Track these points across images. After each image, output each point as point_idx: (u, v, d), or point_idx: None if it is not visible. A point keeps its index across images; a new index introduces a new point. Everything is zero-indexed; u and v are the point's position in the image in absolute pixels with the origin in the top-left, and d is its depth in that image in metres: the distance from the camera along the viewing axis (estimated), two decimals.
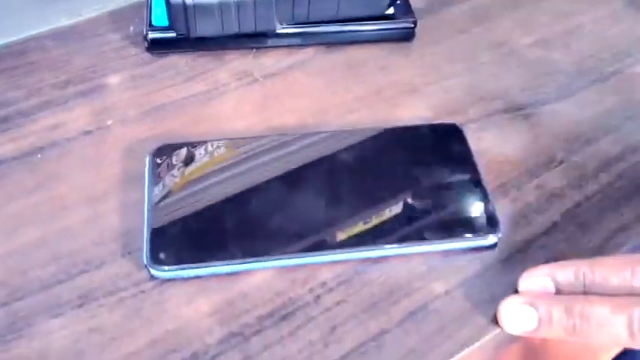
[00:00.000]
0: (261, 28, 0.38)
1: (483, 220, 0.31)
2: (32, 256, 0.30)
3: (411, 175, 0.32)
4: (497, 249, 0.31)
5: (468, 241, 0.30)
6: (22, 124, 0.36)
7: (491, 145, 0.35)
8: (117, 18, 0.42)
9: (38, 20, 0.41)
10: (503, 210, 0.32)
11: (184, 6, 0.36)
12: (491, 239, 0.31)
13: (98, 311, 0.28)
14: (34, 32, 0.41)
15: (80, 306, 0.29)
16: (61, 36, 0.41)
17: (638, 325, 0.25)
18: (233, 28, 0.38)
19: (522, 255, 0.31)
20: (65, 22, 0.42)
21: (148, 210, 0.31)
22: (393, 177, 0.32)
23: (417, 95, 0.38)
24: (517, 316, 0.28)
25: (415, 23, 0.41)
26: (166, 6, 0.37)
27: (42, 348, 0.27)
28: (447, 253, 0.31)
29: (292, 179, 0.32)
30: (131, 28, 0.41)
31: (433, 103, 0.38)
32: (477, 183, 0.32)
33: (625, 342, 0.26)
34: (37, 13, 0.42)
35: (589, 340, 0.27)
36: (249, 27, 0.38)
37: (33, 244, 0.31)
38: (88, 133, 0.35)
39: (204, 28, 0.38)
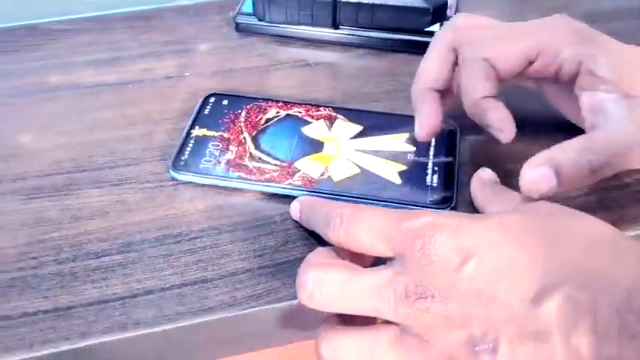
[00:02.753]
0: (318, 24, 0.47)
1: None
2: (98, 147, 0.41)
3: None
4: None
5: None
6: (126, 64, 0.47)
7: None
8: (224, 4, 0.53)
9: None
10: None
11: None
12: None
13: (127, 191, 0.38)
14: (161, 5, 0.53)
15: (116, 185, 0.39)
16: (179, 11, 0.53)
17: None
18: (299, 21, 0.47)
19: None
20: (186, 2, 0.54)
21: (185, 133, 0.40)
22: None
23: None
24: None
25: None
26: None
27: (81, 204, 0.38)
28: None
29: (298, 130, 0.40)
30: (231, 13, 0.52)
31: None
32: None
33: None
34: None
35: None
36: (311, 22, 0.47)
37: (102, 140, 0.42)
38: (168, 78, 0.46)
39: (275, 16, 0.47)
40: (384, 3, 0.46)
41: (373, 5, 0.46)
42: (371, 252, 0.30)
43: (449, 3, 0.47)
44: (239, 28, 0.50)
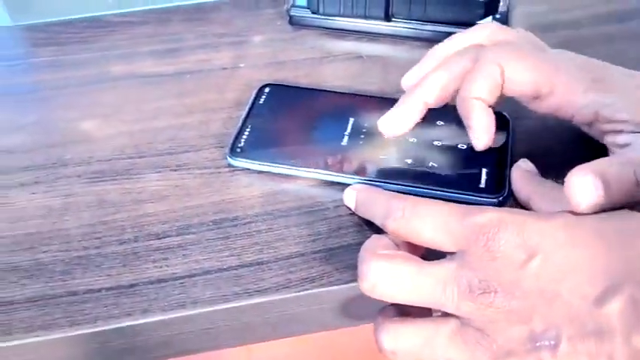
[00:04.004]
0: (371, 15, 0.48)
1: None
2: (158, 135, 0.43)
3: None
4: None
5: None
6: (184, 54, 0.49)
7: None
8: None
9: None
10: None
11: None
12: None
13: (185, 176, 0.40)
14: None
15: (175, 170, 0.40)
16: (234, 4, 0.54)
17: None
18: (352, 13, 0.48)
19: None
20: None
21: (241, 121, 0.41)
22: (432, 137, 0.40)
23: None
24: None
25: None
26: None
27: (141, 188, 0.39)
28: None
29: (351, 120, 0.41)
30: (285, 6, 0.53)
31: None
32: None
33: None
34: None
35: None
36: (361, 13, 0.48)
37: (162, 128, 0.43)
38: (224, 69, 0.48)
39: (329, 8, 0.48)
40: None
41: None
42: (432, 245, 0.30)
43: None
44: (292, 20, 0.51)
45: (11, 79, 0.48)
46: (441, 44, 0.38)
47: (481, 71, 0.33)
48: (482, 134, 0.34)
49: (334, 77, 0.47)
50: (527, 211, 0.30)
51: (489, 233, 0.28)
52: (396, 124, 0.36)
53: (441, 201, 0.31)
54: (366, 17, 0.48)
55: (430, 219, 0.30)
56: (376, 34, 0.49)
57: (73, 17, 0.53)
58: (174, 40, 0.50)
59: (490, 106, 0.34)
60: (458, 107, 0.35)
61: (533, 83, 0.33)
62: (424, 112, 0.36)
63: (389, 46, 0.49)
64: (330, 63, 0.48)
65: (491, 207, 0.30)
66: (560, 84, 0.33)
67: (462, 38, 0.38)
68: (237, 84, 0.46)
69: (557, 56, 0.35)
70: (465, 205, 0.30)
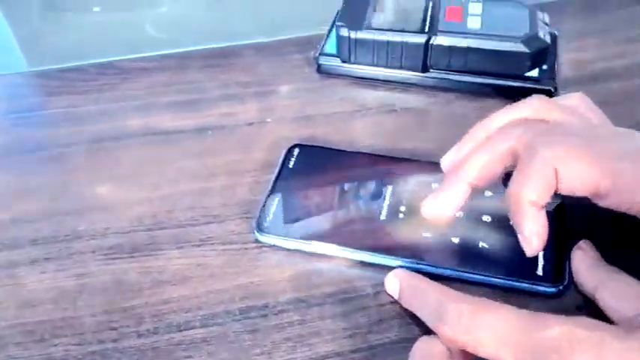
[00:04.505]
0: (406, 67, 0.44)
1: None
2: (178, 202, 0.39)
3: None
4: None
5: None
6: (206, 107, 0.46)
7: None
8: (304, 42, 0.51)
9: (243, 35, 0.52)
10: None
11: (348, 38, 0.44)
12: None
13: (208, 253, 0.36)
14: (239, 43, 0.51)
15: (198, 246, 0.37)
16: (257, 49, 0.50)
17: None
18: (386, 64, 0.45)
19: None
20: (264, 39, 0.52)
21: (269, 190, 0.38)
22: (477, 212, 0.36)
23: None
24: None
25: (555, 89, 0.43)
26: (336, 37, 0.45)
27: (161, 267, 0.36)
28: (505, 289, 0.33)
29: (389, 189, 0.37)
30: (312, 52, 0.49)
31: None
32: None
33: None
34: (242, 29, 0.52)
35: None
36: (399, 65, 0.44)
37: (182, 194, 0.40)
38: (250, 124, 0.44)
39: (362, 58, 0.45)
40: (479, 47, 0.42)
41: (468, 49, 0.43)
42: (492, 359, 0.27)
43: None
44: (320, 69, 0.47)
45: (22, 133, 0.45)
46: (482, 122, 0.35)
47: (533, 172, 0.30)
48: (533, 240, 0.30)
49: (367, 134, 0.43)
50: (601, 324, 0.26)
51: (561, 353, 0.25)
52: (440, 209, 0.33)
53: (502, 305, 0.28)
54: (401, 67, 0.45)
55: (492, 328, 0.27)
56: (410, 84, 0.46)
57: (87, 62, 0.50)
58: (194, 89, 0.47)
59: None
60: (506, 203, 0.31)
61: (589, 185, 0.30)
62: (469, 193, 0.32)
63: (425, 98, 0.46)
64: (362, 117, 0.44)
65: (559, 317, 0.26)
66: (622, 184, 0.29)
67: (505, 116, 0.34)
68: (263, 142, 0.43)
69: (620, 145, 0.30)
70: (530, 313, 0.27)
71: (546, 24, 0.44)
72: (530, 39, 0.42)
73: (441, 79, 0.45)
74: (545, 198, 0.30)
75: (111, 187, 0.41)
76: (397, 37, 0.43)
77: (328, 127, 0.44)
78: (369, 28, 0.44)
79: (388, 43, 0.43)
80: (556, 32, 0.45)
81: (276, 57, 0.50)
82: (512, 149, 0.31)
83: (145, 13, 0.55)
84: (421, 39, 0.43)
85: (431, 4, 0.45)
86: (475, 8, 0.44)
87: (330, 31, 0.48)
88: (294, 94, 0.46)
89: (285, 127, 0.44)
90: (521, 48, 0.42)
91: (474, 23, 0.43)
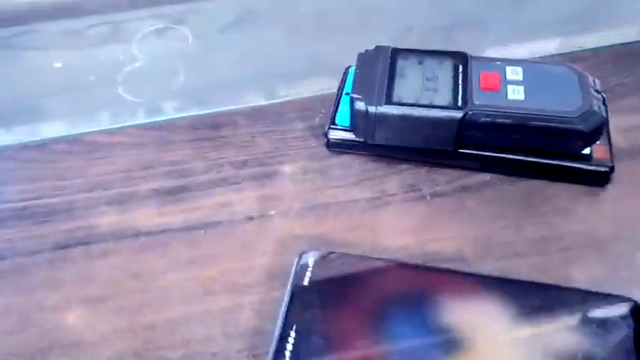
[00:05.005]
0: (439, 147, 0.37)
1: None
2: (169, 334, 0.32)
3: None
4: None
5: None
6: (196, 196, 0.38)
7: None
8: (307, 106, 0.43)
9: (235, 97, 0.44)
10: None
11: (367, 113, 0.37)
12: None
13: None
14: (231, 108, 0.44)
15: None
16: (252, 115, 0.43)
17: None
18: (412, 142, 0.37)
19: None
20: (260, 102, 0.44)
21: (280, 321, 0.30)
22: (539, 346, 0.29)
23: (598, 254, 0.34)
24: None
25: (612, 169, 0.37)
26: (350, 109, 0.38)
27: None
28: None
29: (432, 315, 0.30)
30: (317, 119, 0.42)
31: (616, 267, 0.34)
32: None
33: None
34: (235, 91, 0.44)
35: None
36: (427, 143, 0.37)
37: (171, 322, 0.32)
38: (250, 219, 0.37)
39: (383, 136, 0.37)
40: (524, 124, 0.35)
41: (510, 126, 0.36)
42: None
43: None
44: (330, 144, 0.40)
45: None
46: None
47: None
48: None
49: (393, 231, 0.36)
50: None
51: None
52: None
53: None
54: (429, 145, 0.38)
55: None
56: (439, 163, 0.39)
57: (48, 137, 0.42)
58: (181, 173, 0.39)
59: None
60: None
61: None
62: None
63: (457, 180, 0.38)
64: (384, 207, 0.37)
65: None
66: None
67: None
68: (268, 243, 0.35)
69: None
70: None
71: (598, 91, 0.37)
72: (586, 115, 0.35)
73: (476, 157, 0.38)
74: None
75: (82, 313, 0.33)
76: (428, 113, 0.36)
77: (345, 221, 0.36)
78: (392, 102, 0.36)
79: (417, 119, 0.36)
80: (605, 99, 0.38)
81: (275, 126, 0.42)
82: None
83: (117, 69, 0.47)
84: (456, 115, 0.36)
85: (461, 69, 0.38)
86: (515, 74, 0.37)
87: (338, 98, 0.41)
88: (300, 177, 0.39)
89: (293, 221, 0.36)
90: (576, 126, 0.35)
91: (516, 94, 0.36)
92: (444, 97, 0.37)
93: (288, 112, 0.43)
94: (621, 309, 0.30)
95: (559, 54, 0.46)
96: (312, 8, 0.53)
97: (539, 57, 0.46)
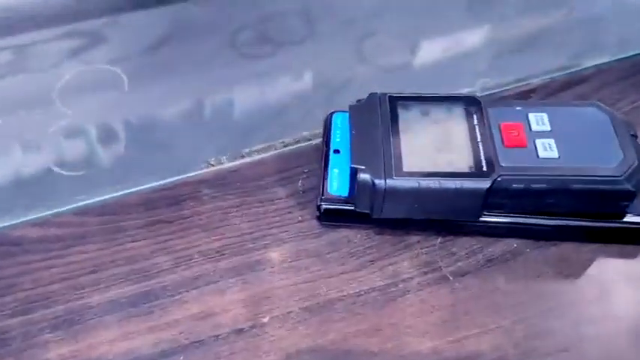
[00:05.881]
0: (462, 218, 0.31)
1: None
2: None
3: None
4: None
5: None
6: (165, 306, 0.30)
7: None
8: (284, 164, 0.36)
9: (195, 159, 0.36)
10: None
11: (374, 186, 0.30)
12: None
13: None
14: (190, 174, 0.35)
15: None
16: (218, 182, 0.35)
17: None
18: (428, 215, 0.31)
19: None
20: (226, 163, 0.36)
21: None
22: None
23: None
24: None
25: None
26: (351, 180, 0.31)
27: None
28: None
29: None
30: (300, 182, 0.35)
31: None
32: None
33: None
34: (193, 151, 0.36)
35: None
36: (447, 215, 0.31)
37: None
38: (239, 332, 0.29)
39: (392, 210, 0.31)
40: (564, 188, 0.29)
41: (547, 191, 0.30)
42: None
43: None
44: (324, 217, 0.33)
45: None
46: None
47: None
48: None
49: (418, 329, 0.29)
50: None
51: None
52: None
53: None
54: (447, 215, 0.31)
55: None
56: (455, 233, 0.32)
57: None
58: (140, 274, 0.31)
59: None
60: None
61: None
62: None
63: (481, 251, 0.32)
64: (402, 297, 0.30)
65: None
66: None
67: None
68: None
69: None
70: None
71: (635, 135, 0.32)
72: (633, 171, 0.29)
73: (502, 224, 0.32)
74: None
75: None
76: (449, 184, 0.29)
77: (356, 323, 0.30)
78: (402, 172, 0.29)
79: (435, 191, 0.29)
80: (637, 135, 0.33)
81: (249, 197, 0.34)
82: None
83: (42, 129, 0.38)
84: (484, 184, 0.29)
85: (476, 120, 0.32)
86: (540, 123, 0.31)
87: (325, 157, 0.34)
88: (292, 265, 0.32)
89: (293, 330, 0.29)
90: (623, 186, 0.29)
91: (548, 150, 0.30)
92: (463, 159, 0.30)
93: (261, 174, 0.35)
94: None
95: (564, 73, 0.41)
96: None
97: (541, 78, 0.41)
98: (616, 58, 0.42)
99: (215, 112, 0.40)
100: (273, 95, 0.41)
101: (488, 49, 0.43)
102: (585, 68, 0.41)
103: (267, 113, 0.40)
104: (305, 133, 0.37)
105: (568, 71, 0.41)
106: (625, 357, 0.29)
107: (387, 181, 0.29)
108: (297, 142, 0.37)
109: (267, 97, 0.41)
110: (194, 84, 0.41)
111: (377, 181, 0.29)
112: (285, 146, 0.37)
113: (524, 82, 0.40)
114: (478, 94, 0.39)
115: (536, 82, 0.41)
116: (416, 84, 0.41)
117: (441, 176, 0.29)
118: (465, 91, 0.40)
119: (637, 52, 0.43)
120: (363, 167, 0.30)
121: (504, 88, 0.40)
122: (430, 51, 0.43)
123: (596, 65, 0.42)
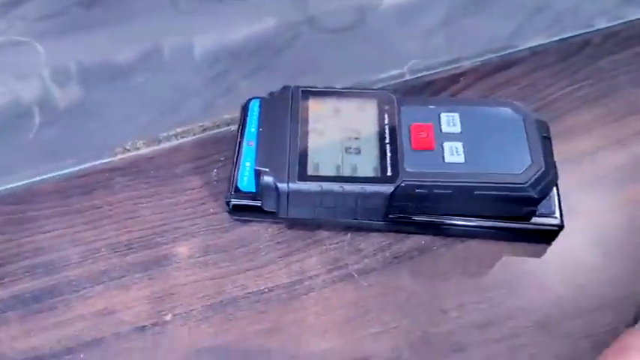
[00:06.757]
0: (366, 219, 0.31)
1: None
2: None
3: None
4: None
5: None
6: (69, 302, 0.30)
7: None
8: (201, 151, 0.35)
9: (108, 144, 0.35)
10: None
11: (277, 189, 0.29)
12: None
13: None
14: (103, 160, 0.35)
15: None
16: (133, 170, 0.35)
17: None
18: (333, 216, 0.31)
19: None
20: (142, 148, 0.35)
21: None
22: None
23: (554, 337, 0.30)
24: None
25: (561, 227, 0.32)
26: (256, 181, 0.31)
27: None
28: None
29: None
30: (215, 171, 0.34)
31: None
32: None
33: None
34: (108, 134, 0.36)
35: None
36: (351, 216, 0.31)
37: None
38: (141, 329, 0.30)
39: (298, 211, 0.31)
40: (466, 194, 0.29)
41: (450, 195, 0.30)
42: None
43: None
44: (235, 212, 0.33)
45: None
46: None
47: None
48: None
49: (318, 329, 0.30)
50: None
51: None
52: None
53: None
54: (354, 216, 0.31)
55: None
56: (365, 229, 0.33)
57: None
58: (47, 267, 0.31)
59: None
60: None
61: None
62: None
63: (389, 248, 0.32)
64: (306, 295, 0.31)
65: None
66: None
67: None
68: None
69: None
70: None
71: (548, 137, 0.31)
72: (538, 178, 0.29)
73: (409, 223, 0.32)
74: None
75: None
76: (351, 188, 0.29)
77: (258, 321, 0.30)
78: (306, 176, 0.29)
79: (338, 195, 0.29)
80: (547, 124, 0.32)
81: (162, 187, 0.34)
82: None
83: None
84: (386, 189, 0.29)
85: (387, 119, 0.31)
86: (451, 124, 0.31)
87: (238, 149, 0.33)
88: (200, 260, 0.32)
89: (196, 327, 0.30)
90: (527, 193, 0.29)
91: (454, 155, 0.30)
92: (370, 163, 0.30)
93: (176, 162, 0.35)
94: None
95: (496, 55, 0.40)
96: None
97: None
98: (551, 39, 0.41)
99: (136, 89, 0.38)
100: (196, 72, 0.40)
101: (419, 28, 0.41)
102: (519, 50, 0.41)
103: (189, 90, 0.39)
104: (226, 117, 0.37)
105: (501, 53, 0.40)
106: (528, 352, 0.30)
107: (290, 185, 0.29)
108: (218, 126, 0.37)
109: (189, 73, 0.40)
110: (118, 57, 0.40)
111: (280, 185, 0.29)
112: (203, 130, 0.36)
113: (455, 65, 0.40)
114: (407, 77, 0.40)
115: (466, 64, 0.40)
116: (345, 64, 0.40)
117: (345, 181, 0.29)
118: (394, 72, 0.39)
119: (574, 33, 0.42)
120: (266, 170, 0.29)
121: (434, 70, 0.39)
122: (359, 31, 0.42)
123: (530, 47, 0.41)
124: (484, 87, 0.39)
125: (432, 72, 0.39)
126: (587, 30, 0.42)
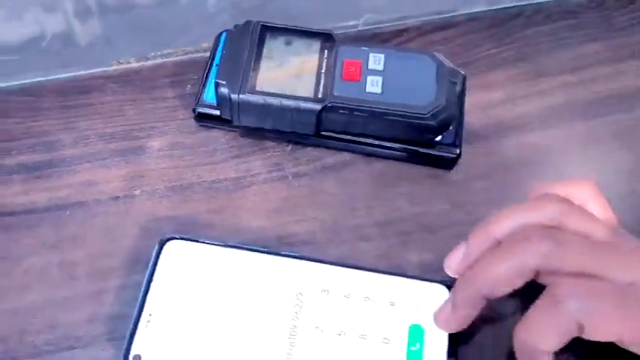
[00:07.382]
0: (302, 131, 0.39)
1: None
2: (33, 318, 0.34)
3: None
4: None
5: None
6: (62, 173, 0.39)
7: None
8: (179, 70, 0.43)
9: (108, 56, 0.43)
10: None
11: (230, 99, 0.37)
12: None
13: None
14: (102, 69, 0.43)
15: None
16: (123, 79, 0.42)
17: None
18: (275, 126, 0.39)
19: None
20: (133, 63, 0.43)
21: (137, 308, 0.33)
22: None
23: (436, 237, 0.38)
24: None
25: (458, 155, 0.40)
26: (215, 92, 0.38)
27: None
28: None
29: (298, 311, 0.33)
30: (188, 86, 0.42)
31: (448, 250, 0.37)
32: None
33: None
34: (108, 50, 0.43)
35: None
36: (289, 128, 0.39)
37: (37, 307, 0.34)
38: (115, 199, 0.38)
39: (247, 120, 0.38)
40: (378, 118, 0.37)
41: (366, 118, 0.37)
42: None
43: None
44: (199, 119, 0.41)
45: None
46: (488, 223, 0.32)
47: (553, 325, 0.28)
48: None
49: (254, 213, 0.38)
50: None
51: None
52: (458, 324, 0.32)
53: None
54: (292, 129, 0.39)
55: None
56: (303, 144, 0.40)
57: None
58: (47, 145, 0.39)
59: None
60: (516, 349, 0.29)
61: (612, 338, 0.29)
62: (484, 304, 0.31)
63: (318, 159, 0.40)
64: (248, 187, 0.39)
65: None
66: None
67: (516, 219, 0.31)
68: (132, 225, 0.37)
69: None
70: None
71: (454, 82, 0.39)
72: (437, 111, 0.37)
73: (336, 139, 0.40)
74: (561, 346, 0.29)
75: None
76: (288, 103, 0.37)
77: (210, 202, 0.38)
78: (254, 90, 0.37)
79: (277, 108, 0.37)
80: (465, 75, 0.40)
81: (144, 94, 0.42)
82: (535, 269, 0.30)
83: None
84: (315, 107, 0.37)
85: (326, 54, 0.39)
86: (376, 63, 0.38)
87: (208, 69, 0.41)
88: (167, 153, 0.40)
89: (158, 202, 0.38)
90: (426, 122, 0.37)
91: (374, 86, 0.38)
92: (306, 86, 0.38)
93: (159, 76, 0.43)
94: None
95: (439, 17, 0.47)
96: None
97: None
98: (490, 8, 0.48)
99: (138, 14, 0.46)
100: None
101: None
102: (459, 14, 0.48)
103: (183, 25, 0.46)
104: (204, 45, 0.44)
105: (443, 15, 0.48)
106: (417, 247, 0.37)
107: (240, 95, 0.37)
108: (197, 51, 0.44)
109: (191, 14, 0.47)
110: None
111: (232, 95, 0.37)
112: (185, 54, 0.44)
113: (402, 22, 0.47)
114: (360, 28, 0.47)
115: (411, 22, 0.47)
116: (312, 12, 0.47)
117: (284, 97, 0.37)
118: (351, 23, 0.47)
119: (512, 4, 0.49)
120: (224, 82, 0.37)
121: (383, 25, 0.47)
122: None
123: (469, 13, 0.48)
124: (422, 42, 0.46)
125: (381, 25, 0.47)
126: (523, 3, 0.49)
